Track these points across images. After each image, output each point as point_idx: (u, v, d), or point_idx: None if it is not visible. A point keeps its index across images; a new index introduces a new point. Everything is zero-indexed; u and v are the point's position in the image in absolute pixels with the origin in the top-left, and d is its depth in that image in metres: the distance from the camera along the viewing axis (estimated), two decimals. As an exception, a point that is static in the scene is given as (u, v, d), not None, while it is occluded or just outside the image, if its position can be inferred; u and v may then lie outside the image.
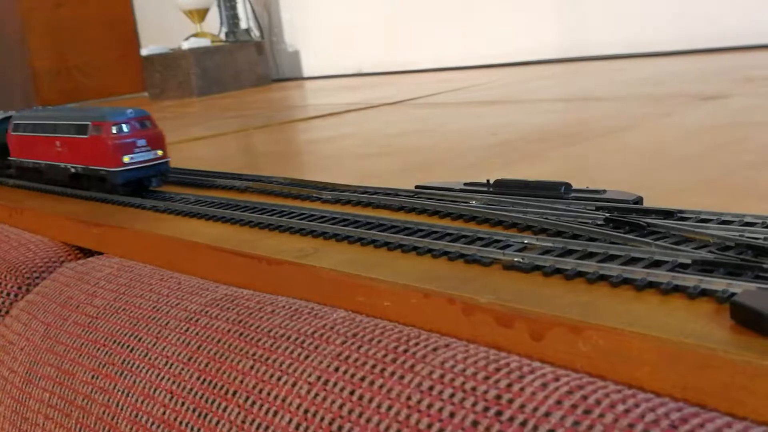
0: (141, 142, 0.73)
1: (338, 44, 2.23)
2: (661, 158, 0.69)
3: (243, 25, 2.36)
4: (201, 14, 2.30)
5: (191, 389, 0.45)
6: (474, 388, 0.34)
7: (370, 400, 0.37)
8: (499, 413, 0.33)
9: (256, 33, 2.37)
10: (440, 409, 0.34)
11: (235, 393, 0.43)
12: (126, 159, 0.72)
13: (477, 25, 1.91)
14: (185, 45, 2.16)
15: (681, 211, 0.46)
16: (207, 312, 0.50)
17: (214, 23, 2.35)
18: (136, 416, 0.47)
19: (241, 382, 0.43)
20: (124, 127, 0.72)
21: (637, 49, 1.63)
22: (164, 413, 0.46)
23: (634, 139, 0.81)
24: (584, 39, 1.72)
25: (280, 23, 2.44)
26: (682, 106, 0.96)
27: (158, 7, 2.70)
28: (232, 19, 2.33)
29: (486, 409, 0.33)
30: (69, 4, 2.66)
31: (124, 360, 0.51)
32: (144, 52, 2.28)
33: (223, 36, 2.33)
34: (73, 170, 0.79)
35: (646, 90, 1.20)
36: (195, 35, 2.27)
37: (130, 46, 2.73)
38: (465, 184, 0.61)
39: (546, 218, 0.48)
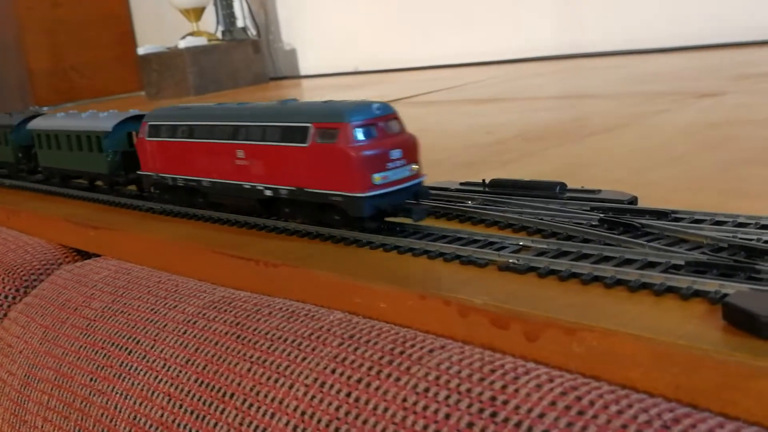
0: (395, 154, 0.50)
1: (335, 42, 2.23)
2: (656, 156, 0.69)
3: (240, 23, 2.36)
4: (197, 13, 2.30)
5: (189, 391, 0.45)
6: (469, 390, 0.35)
7: (367, 402, 0.37)
8: (494, 414, 0.33)
9: (252, 31, 2.37)
10: (436, 411, 0.35)
11: (232, 395, 0.43)
12: (377, 179, 0.49)
13: (473, 23, 1.91)
14: (182, 44, 2.15)
15: (675, 212, 0.46)
16: (204, 314, 0.50)
17: (210, 22, 2.35)
18: (134, 418, 0.48)
19: (239, 384, 0.43)
20: (371, 131, 0.50)
21: (632, 46, 1.63)
22: (162, 415, 0.46)
23: (629, 137, 0.81)
24: (580, 36, 1.72)
25: (277, 21, 2.44)
26: (678, 104, 0.96)
27: (155, 6, 2.70)
28: (228, 17, 2.33)
29: (481, 410, 0.34)
30: (66, 4, 2.66)
31: (122, 362, 0.51)
32: (141, 51, 2.27)
33: (219, 34, 2.33)
34: (268, 193, 0.55)
35: (641, 87, 1.20)
36: (191, 34, 2.27)
37: (127, 46, 2.72)
38: (461, 184, 0.61)
39: (541, 219, 0.49)
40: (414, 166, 0.51)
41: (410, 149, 0.51)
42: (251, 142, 0.56)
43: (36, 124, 0.88)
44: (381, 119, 0.50)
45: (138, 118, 0.74)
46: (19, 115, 0.96)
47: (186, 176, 0.63)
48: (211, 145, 0.59)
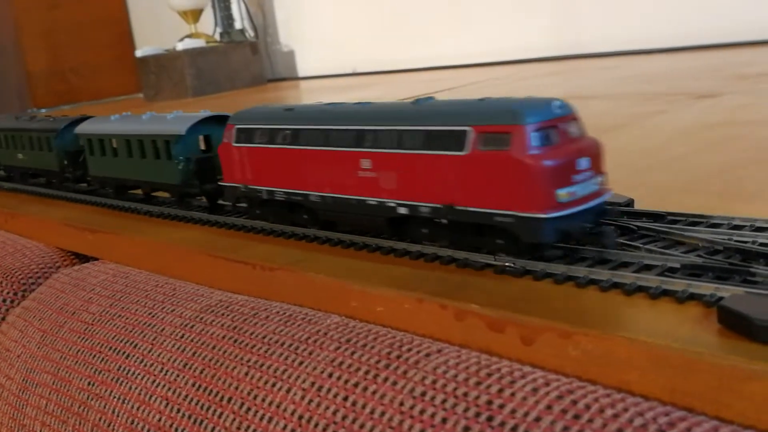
0: (582, 163, 0.41)
1: (333, 44, 2.23)
2: (653, 158, 0.69)
3: (237, 25, 2.36)
4: (195, 15, 2.30)
5: (186, 396, 0.45)
6: (466, 394, 0.35)
7: (364, 406, 0.37)
8: (490, 418, 0.33)
9: (250, 33, 2.37)
10: (432, 415, 0.35)
11: (230, 399, 0.43)
12: (562, 195, 0.40)
13: (471, 24, 1.91)
14: (180, 46, 2.16)
15: (671, 214, 0.47)
16: (202, 318, 0.50)
17: (208, 24, 2.35)
18: (132, 423, 0.48)
19: (236, 388, 0.43)
20: (551, 135, 0.40)
21: (630, 47, 1.63)
22: (160, 420, 0.46)
23: (626, 138, 0.81)
24: (577, 37, 1.72)
25: (275, 23, 2.44)
26: (675, 105, 0.96)
27: (152, 8, 2.70)
28: (226, 19, 2.33)
29: (477, 414, 0.34)
30: (63, 6, 2.66)
31: (120, 366, 0.51)
32: (139, 53, 2.28)
33: (217, 36, 2.33)
34: (402, 210, 0.46)
35: (639, 88, 1.20)
36: (189, 36, 2.27)
37: (125, 48, 2.72)
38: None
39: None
40: (600, 179, 0.42)
41: (597, 158, 0.42)
42: (382, 150, 0.46)
43: (86, 128, 0.79)
44: (561, 120, 0.41)
45: (214, 120, 0.66)
46: (64, 118, 0.88)
47: (287, 189, 0.54)
48: (325, 153, 0.50)
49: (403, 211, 0.46)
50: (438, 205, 0.44)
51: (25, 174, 0.96)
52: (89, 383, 0.53)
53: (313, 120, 0.52)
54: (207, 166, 0.63)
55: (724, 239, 0.41)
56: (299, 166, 0.52)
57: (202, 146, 0.66)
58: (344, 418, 0.37)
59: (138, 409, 0.48)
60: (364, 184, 0.48)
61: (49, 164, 0.88)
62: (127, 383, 0.50)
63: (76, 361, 0.55)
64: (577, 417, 0.31)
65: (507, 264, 0.43)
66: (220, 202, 0.65)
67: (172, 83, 2.18)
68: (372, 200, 0.48)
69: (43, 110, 2.47)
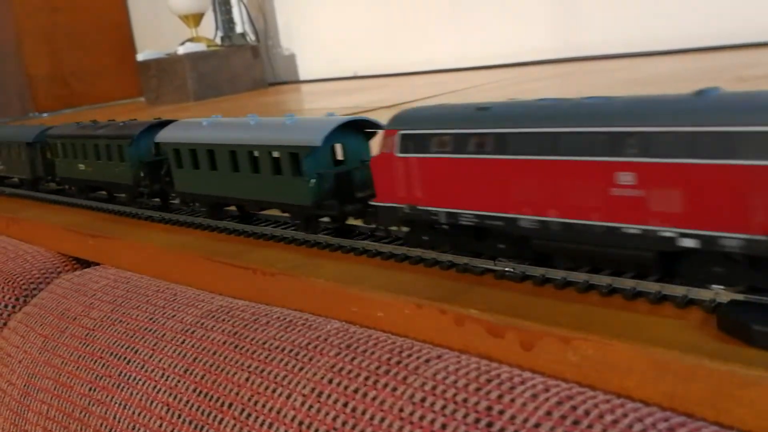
0: None
1: (334, 47, 2.23)
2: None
3: (238, 29, 2.36)
4: (196, 19, 2.31)
5: (187, 401, 0.46)
6: (465, 400, 0.35)
7: (364, 412, 0.37)
8: (489, 424, 0.33)
9: (251, 37, 2.38)
10: (432, 421, 0.35)
11: (230, 405, 0.43)
12: None
13: (473, 27, 1.91)
14: (181, 50, 2.16)
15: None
16: (203, 324, 0.50)
17: (209, 28, 2.35)
18: (133, 428, 0.48)
19: (237, 394, 0.43)
20: None
21: (632, 49, 1.63)
22: (161, 425, 0.46)
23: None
24: (580, 39, 1.73)
25: (276, 27, 2.44)
26: (676, 108, 0.96)
27: (154, 12, 2.71)
28: (227, 23, 2.33)
29: (477, 420, 0.34)
30: (64, 10, 2.66)
31: (121, 372, 0.52)
32: (140, 57, 2.28)
33: (218, 40, 2.33)
34: (688, 243, 0.34)
35: (641, 91, 1.20)
36: (190, 40, 2.27)
37: (126, 52, 2.73)
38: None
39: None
40: None
41: None
42: (656, 160, 0.34)
43: (170, 134, 0.67)
44: None
45: (353, 126, 0.54)
46: (137, 123, 0.76)
47: (481, 212, 0.42)
48: (553, 164, 0.38)
49: (689, 243, 0.34)
50: (760, 237, 0.32)
51: (86, 188, 0.84)
52: (90, 389, 0.53)
53: (530, 121, 0.40)
54: (345, 183, 0.52)
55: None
56: (504, 181, 0.40)
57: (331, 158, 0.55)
58: (344, 424, 0.38)
59: (139, 414, 0.48)
60: (621, 206, 0.36)
61: (121, 177, 0.75)
62: (128, 389, 0.50)
63: (78, 367, 0.55)
64: (576, 423, 0.31)
65: (507, 269, 0.43)
66: (351, 223, 0.54)
67: (174, 87, 2.19)
68: (633, 228, 0.36)
69: (45, 114, 2.47)
